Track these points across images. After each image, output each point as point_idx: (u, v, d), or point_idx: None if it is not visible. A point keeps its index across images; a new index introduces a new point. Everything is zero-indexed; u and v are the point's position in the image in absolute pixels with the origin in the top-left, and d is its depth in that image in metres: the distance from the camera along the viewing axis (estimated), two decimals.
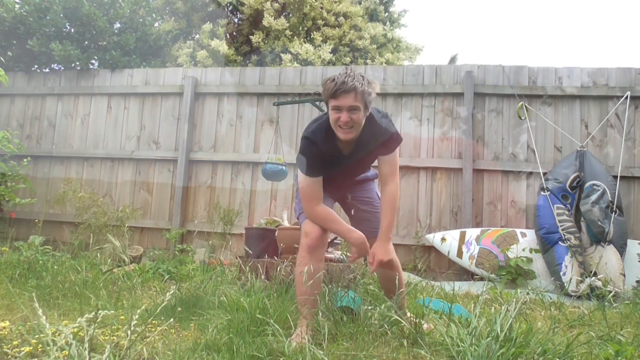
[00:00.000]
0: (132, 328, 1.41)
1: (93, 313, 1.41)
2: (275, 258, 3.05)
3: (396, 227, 4.77)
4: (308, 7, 7.61)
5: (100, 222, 4.60)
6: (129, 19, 6.77)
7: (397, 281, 2.20)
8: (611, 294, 3.41)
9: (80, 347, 1.38)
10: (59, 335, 1.44)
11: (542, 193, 4.34)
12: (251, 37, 7.65)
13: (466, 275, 4.46)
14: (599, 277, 3.83)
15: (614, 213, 4.09)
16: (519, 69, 4.83)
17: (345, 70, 2.06)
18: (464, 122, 4.80)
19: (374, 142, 2.16)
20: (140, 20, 7.11)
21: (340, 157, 2.19)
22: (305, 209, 2.18)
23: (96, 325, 1.40)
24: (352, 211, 2.43)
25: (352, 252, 2.22)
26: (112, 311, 1.72)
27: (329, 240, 2.76)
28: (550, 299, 3.21)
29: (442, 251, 4.51)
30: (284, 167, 4.28)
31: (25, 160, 4.99)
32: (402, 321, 1.97)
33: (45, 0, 6.04)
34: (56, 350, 1.38)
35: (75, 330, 1.51)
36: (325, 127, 2.12)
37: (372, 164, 2.38)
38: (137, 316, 1.49)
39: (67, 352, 1.38)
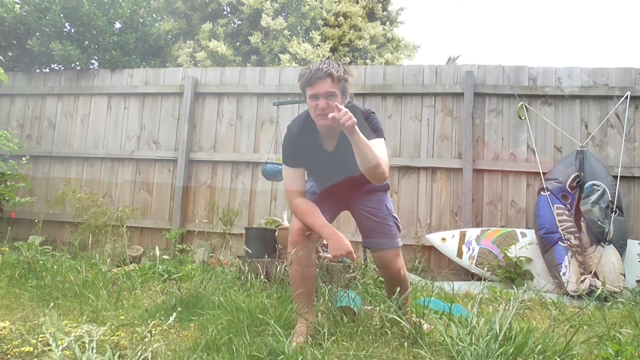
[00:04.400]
0: (146, 331, 1.41)
1: (92, 314, 1.41)
2: (271, 259, 3.05)
3: None
4: (307, 6, 7.61)
5: (100, 222, 4.60)
6: (129, 19, 6.77)
7: (401, 283, 2.24)
8: (611, 294, 3.41)
9: (80, 347, 1.38)
10: (60, 333, 1.44)
11: (542, 193, 4.34)
12: (250, 37, 7.65)
13: (464, 274, 4.45)
14: (599, 277, 3.83)
15: (614, 213, 4.09)
16: (519, 69, 4.83)
17: (322, 60, 2.07)
18: (464, 122, 4.80)
19: None
20: (141, 20, 7.11)
21: (324, 152, 2.18)
22: (287, 199, 2.20)
23: (95, 325, 1.40)
24: (360, 222, 2.38)
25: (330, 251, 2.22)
26: (100, 312, 1.72)
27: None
28: (550, 299, 3.21)
29: (442, 251, 4.51)
30: None
31: (23, 159, 4.99)
32: (402, 321, 1.97)
33: (45, 0, 6.04)
34: (54, 351, 1.38)
35: (73, 330, 1.51)
36: (305, 118, 2.15)
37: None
38: (147, 323, 1.48)
39: (68, 352, 1.38)
